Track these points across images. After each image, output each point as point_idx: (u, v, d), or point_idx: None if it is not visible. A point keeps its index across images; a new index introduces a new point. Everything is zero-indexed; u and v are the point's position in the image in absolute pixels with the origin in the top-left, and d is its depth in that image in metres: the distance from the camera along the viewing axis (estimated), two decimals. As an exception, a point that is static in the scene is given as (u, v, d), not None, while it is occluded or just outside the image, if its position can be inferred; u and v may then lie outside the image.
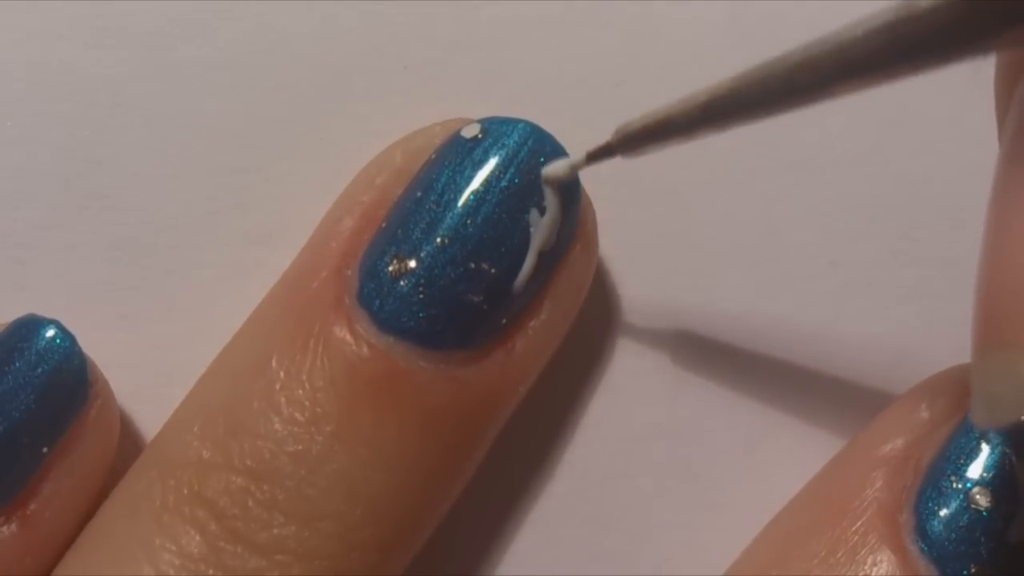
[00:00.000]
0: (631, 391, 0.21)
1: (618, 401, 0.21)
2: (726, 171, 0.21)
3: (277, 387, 0.18)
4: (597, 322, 0.21)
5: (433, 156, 0.19)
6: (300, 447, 0.17)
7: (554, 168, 0.18)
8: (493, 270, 0.18)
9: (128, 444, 0.20)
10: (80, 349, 0.19)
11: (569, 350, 0.21)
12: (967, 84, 0.21)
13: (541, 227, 0.18)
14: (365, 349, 0.18)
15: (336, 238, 0.19)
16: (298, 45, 0.21)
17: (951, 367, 0.19)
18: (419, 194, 0.18)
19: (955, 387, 0.19)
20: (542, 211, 0.18)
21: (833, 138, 0.21)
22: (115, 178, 0.21)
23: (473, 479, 0.20)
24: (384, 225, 0.18)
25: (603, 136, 0.21)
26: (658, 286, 0.21)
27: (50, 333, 0.19)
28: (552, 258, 0.19)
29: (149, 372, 0.20)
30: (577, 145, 0.20)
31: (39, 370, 0.18)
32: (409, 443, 0.18)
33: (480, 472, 0.20)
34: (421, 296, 0.18)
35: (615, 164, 0.21)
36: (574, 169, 0.18)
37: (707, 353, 0.21)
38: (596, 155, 0.18)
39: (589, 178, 0.19)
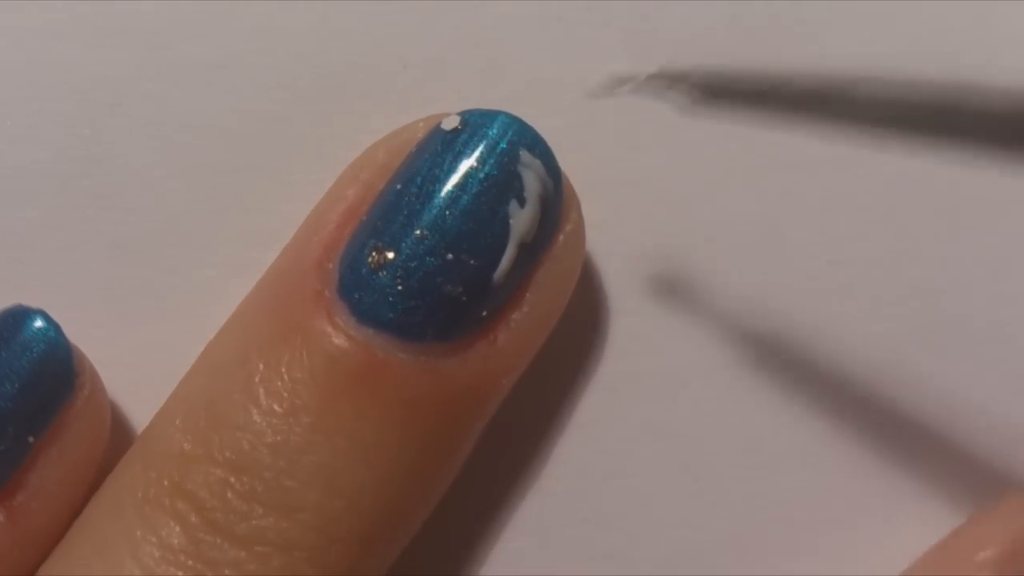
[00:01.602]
0: (631, 391, 0.21)
1: (618, 401, 0.21)
2: (726, 171, 0.21)
3: (257, 379, 0.18)
4: (597, 322, 0.21)
5: (414, 149, 0.19)
6: (279, 439, 0.17)
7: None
8: (473, 262, 0.18)
9: (126, 443, 0.20)
10: (66, 339, 0.19)
11: (568, 350, 0.21)
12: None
13: (521, 219, 0.18)
14: (344, 341, 0.18)
15: (319, 232, 0.19)
16: (298, 45, 0.21)
17: None
18: (399, 186, 0.18)
19: None
20: (522, 202, 0.18)
21: (833, 138, 0.21)
22: (115, 178, 0.21)
23: (472, 478, 0.20)
24: (365, 218, 0.18)
25: (602, 135, 0.21)
26: (658, 286, 0.21)
27: (36, 323, 0.19)
28: (535, 250, 0.18)
29: (149, 372, 0.20)
30: (577, 145, 0.20)
31: (24, 359, 0.18)
32: (389, 435, 0.18)
33: (479, 471, 0.20)
34: (400, 288, 0.18)
35: (614, 163, 0.21)
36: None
37: (707, 353, 0.21)
38: (666, 76, 0.18)
39: (588, 178, 0.19)
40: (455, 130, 0.18)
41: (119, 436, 0.20)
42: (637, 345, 0.21)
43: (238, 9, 0.21)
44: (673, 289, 0.21)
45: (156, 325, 0.20)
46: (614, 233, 0.21)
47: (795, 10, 0.21)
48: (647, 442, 0.21)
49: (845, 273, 0.21)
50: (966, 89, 0.14)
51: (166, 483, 0.17)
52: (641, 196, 0.21)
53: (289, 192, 0.21)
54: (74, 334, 0.19)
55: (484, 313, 0.18)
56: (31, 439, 0.18)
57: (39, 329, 0.19)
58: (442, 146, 0.18)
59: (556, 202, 0.19)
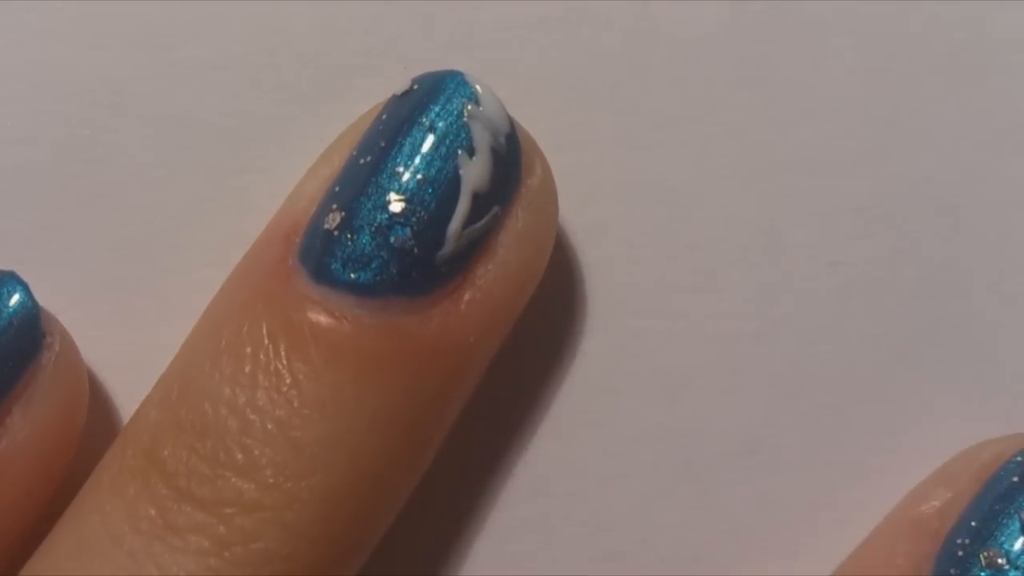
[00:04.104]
0: (631, 391, 0.21)
1: (617, 401, 0.21)
2: (726, 171, 0.21)
3: (223, 346, 0.18)
4: (597, 322, 0.21)
5: (371, 120, 0.19)
6: (240, 401, 0.18)
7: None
8: (424, 214, 0.18)
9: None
10: (34, 299, 0.19)
11: (569, 350, 0.21)
12: (966, 84, 0.21)
13: (471, 169, 0.18)
14: (302, 302, 0.18)
15: (289, 210, 0.19)
16: (298, 45, 0.21)
17: (968, 449, 0.20)
18: (355, 153, 0.19)
19: (971, 468, 0.19)
20: (471, 153, 0.18)
21: (833, 138, 0.21)
22: (115, 178, 0.21)
23: (472, 478, 0.20)
24: (330, 191, 0.19)
25: (601, 135, 0.21)
26: (658, 286, 0.21)
27: (7, 285, 0.19)
28: (496, 203, 0.18)
29: (149, 372, 0.20)
30: (576, 145, 0.20)
31: None
32: (346, 389, 0.18)
33: (478, 472, 0.20)
34: (350, 245, 0.18)
35: (614, 163, 0.21)
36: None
37: (707, 353, 0.21)
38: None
39: (587, 177, 0.19)
40: (406, 92, 0.19)
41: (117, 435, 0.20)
42: (637, 345, 0.21)
43: (238, 9, 0.21)
44: (672, 289, 0.21)
45: (156, 325, 0.20)
46: (614, 233, 0.21)
47: (795, 10, 0.21)
48: (647, 442, 0.21)
49: (845, 273, 0.21)
50: None
51: (138, 455, 0.18)
52: (641, 196, 0.21)
53: (289, 192, 0.21)
54: (74, 334, 0.19)
55: (442, 266, 0.18)
56: None
57: (9, 291, 0.19)
58: (394, 108, 0.19)
59: (512, 153, 0.19)
